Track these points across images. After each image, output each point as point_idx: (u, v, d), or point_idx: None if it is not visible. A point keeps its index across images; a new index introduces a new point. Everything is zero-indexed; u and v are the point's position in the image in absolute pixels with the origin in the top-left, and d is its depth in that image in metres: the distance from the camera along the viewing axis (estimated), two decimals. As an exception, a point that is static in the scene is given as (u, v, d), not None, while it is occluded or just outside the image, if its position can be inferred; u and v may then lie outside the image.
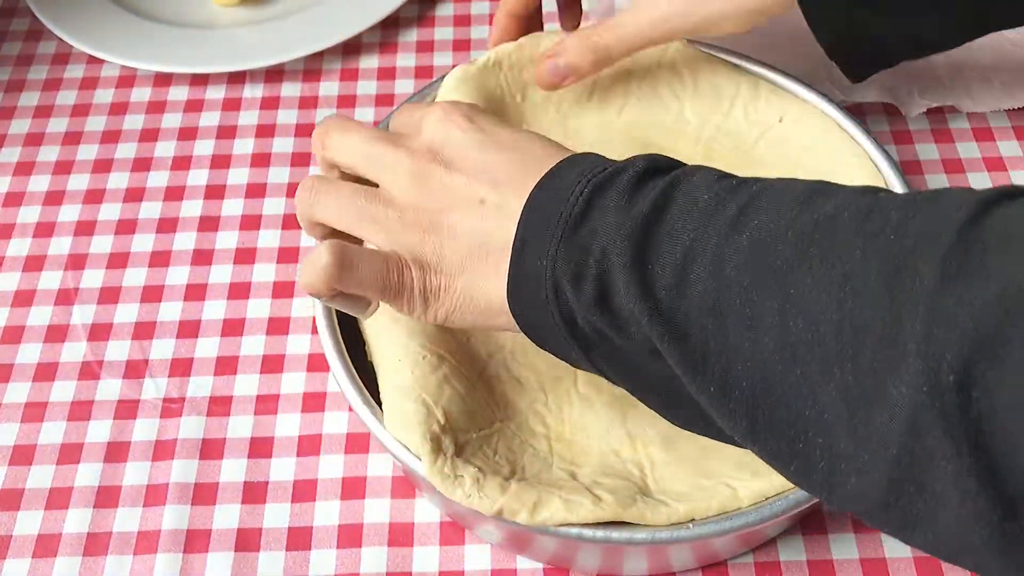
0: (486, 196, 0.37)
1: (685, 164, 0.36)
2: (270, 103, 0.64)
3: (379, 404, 0.43)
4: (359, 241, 0.40)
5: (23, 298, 0.55)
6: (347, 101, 0.64)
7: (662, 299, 0.32)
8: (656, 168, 0.35)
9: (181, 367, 0.52)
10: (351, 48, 0.67)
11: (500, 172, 0.38)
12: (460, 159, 0.39)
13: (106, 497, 0.48)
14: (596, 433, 0.43)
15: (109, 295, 0.55)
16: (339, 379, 0.43)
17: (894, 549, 0.45)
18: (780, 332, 0.30)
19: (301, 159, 0.61)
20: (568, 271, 0.34)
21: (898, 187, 0.49)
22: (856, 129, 0.51)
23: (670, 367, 0.33)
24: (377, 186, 0.40)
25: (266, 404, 0.50)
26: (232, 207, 0.59)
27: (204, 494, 0.47)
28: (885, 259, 0.28)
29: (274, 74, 0.66)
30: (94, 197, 0.60)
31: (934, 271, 0.27)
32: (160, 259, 0.56)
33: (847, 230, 0.30)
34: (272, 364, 0.52)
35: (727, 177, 0.35)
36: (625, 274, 0.33)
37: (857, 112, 0.52)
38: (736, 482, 0.41)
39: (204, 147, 0.62)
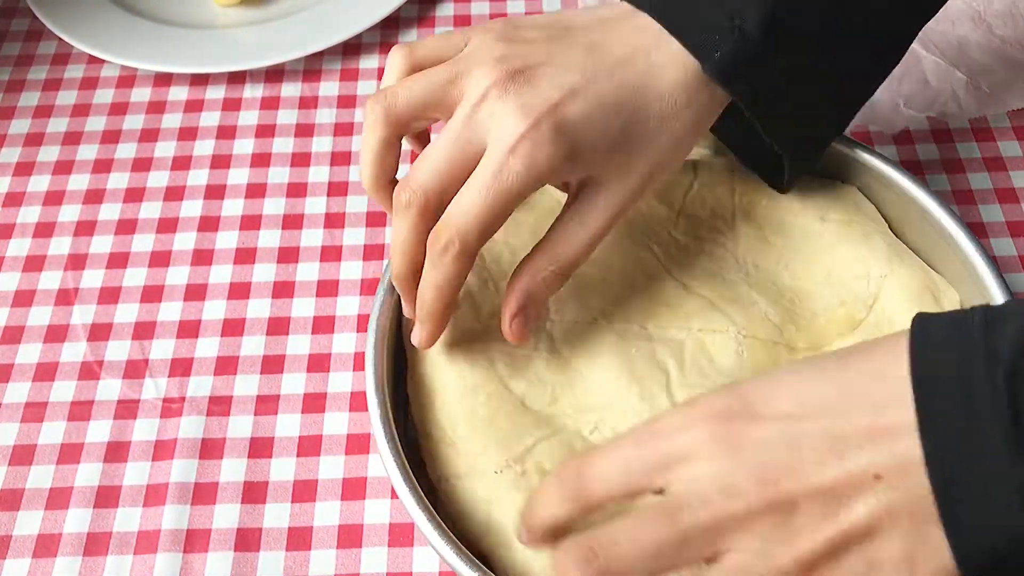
0: (867, 463, 0.30)
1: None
2: (270, 103, 0.64)
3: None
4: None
5: (23, 298, 0.55)
6: (347, 101, 0.64)
7: None
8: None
9: (181, 367, 0.52)
10: (351, 48, 0.67)
11: (840, 424, 0.31)
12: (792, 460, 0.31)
13: (106, 497, 0.48)
14: None
15: (109, 295, 0.55)
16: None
17: (894, 549, 0.45)
18: None
19: (301, 159, 0.61)
20: None
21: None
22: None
23: None
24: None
25: (266, 404, 0.50)
26: (232, 207, 0.59)
27: (204, 494, 0.47)
28: None
29: (274, 74, 0.66)
30: (94, 197, 0.60)
31: None
32: (160, 259, 0.56)
33: None
34: (272, 364, 0.52)
35: None
36: None
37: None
38: None
39: (204, 147, 0.62)
